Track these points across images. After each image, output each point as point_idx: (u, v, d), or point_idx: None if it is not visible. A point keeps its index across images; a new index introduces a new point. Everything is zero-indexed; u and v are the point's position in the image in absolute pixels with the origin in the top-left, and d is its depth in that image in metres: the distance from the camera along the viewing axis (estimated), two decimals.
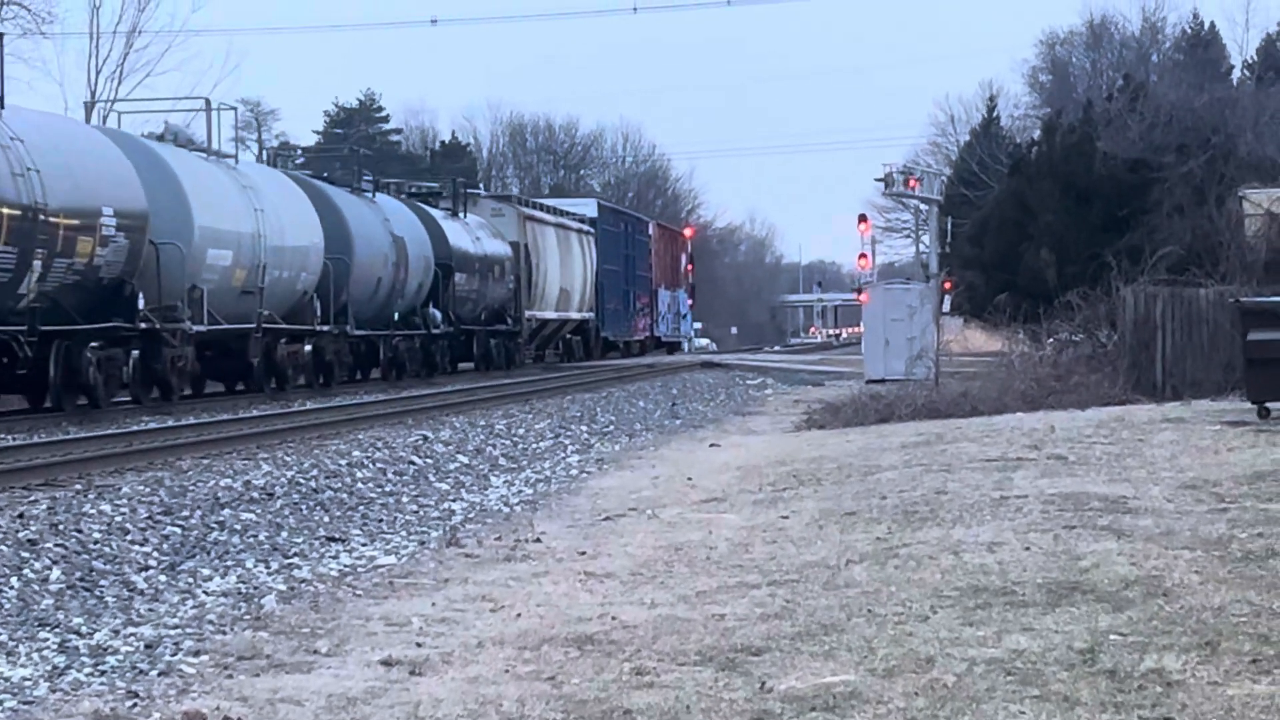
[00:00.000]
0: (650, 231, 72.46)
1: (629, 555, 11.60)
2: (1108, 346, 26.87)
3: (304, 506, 14.74)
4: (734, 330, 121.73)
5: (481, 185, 69.46)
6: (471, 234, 47.16)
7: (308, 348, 34.98)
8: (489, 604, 9.83)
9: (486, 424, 24.38)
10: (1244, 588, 9.19)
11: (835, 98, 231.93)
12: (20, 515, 12.94)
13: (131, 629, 9.26)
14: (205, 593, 10.50)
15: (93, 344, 26.15)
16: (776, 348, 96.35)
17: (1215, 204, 36.64)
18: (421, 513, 14.87)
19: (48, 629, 9.22)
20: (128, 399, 28.16)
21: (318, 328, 35.02)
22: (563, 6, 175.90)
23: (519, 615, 9.42)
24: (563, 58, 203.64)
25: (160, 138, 31.73)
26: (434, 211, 45.49)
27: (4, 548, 11.41)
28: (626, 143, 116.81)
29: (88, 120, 34.76)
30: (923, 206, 72.52)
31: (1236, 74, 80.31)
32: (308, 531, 13.38)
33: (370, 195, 40.94)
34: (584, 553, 11.85)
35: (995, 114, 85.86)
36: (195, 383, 32.52)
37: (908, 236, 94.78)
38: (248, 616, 9.61)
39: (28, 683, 7.96)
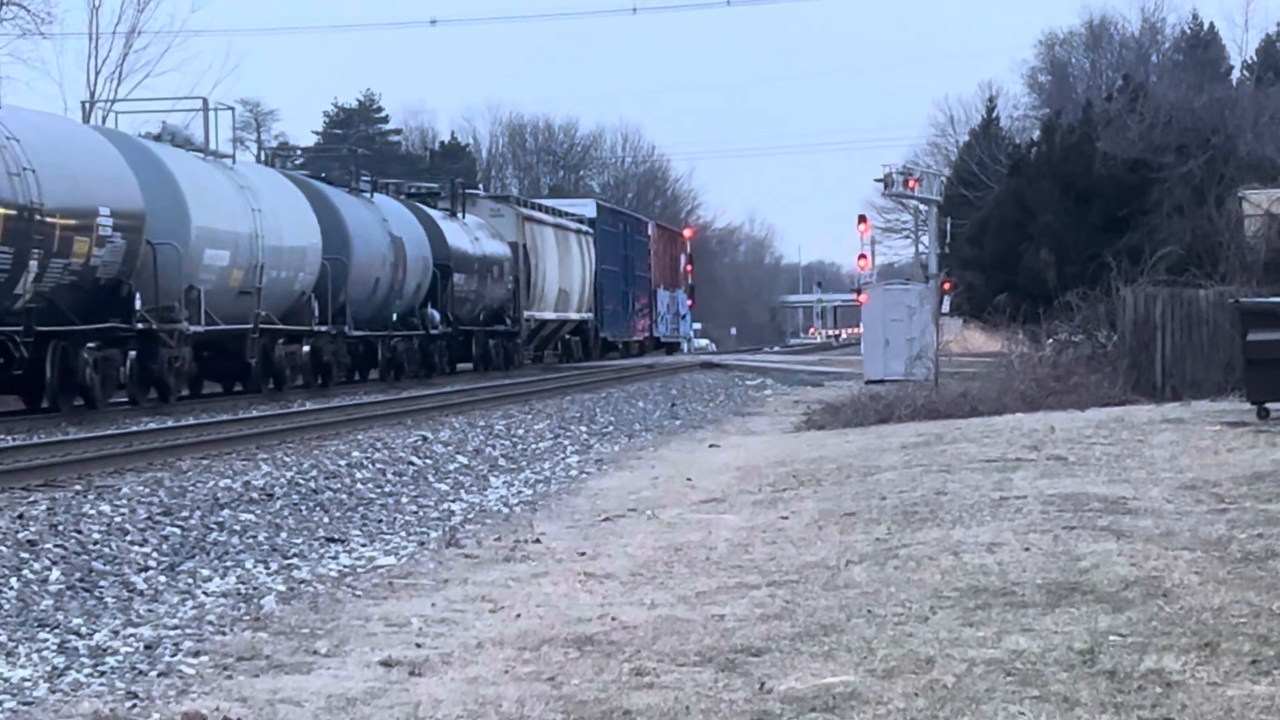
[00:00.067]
0: (649, 232, 72.46)
1: (629, 556, 11.60)
2: (1107, 347, 26.87)
3: (303, 507, 14.73)
4: (733, 331, 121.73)
5: (481, 186, 69.50)
6: (470, 234, 47.15)
7: (305, 348, 34.94)
8: (488, 604, 9.83)
9: (486, 424, 24.38)
10: (1243, 588, 9.19)
11: (835, 98, 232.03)
12: (20, 516, 12.93)
13: (131, 630, 9.26)
14: (205, 593, 10.50)
15: (89, 344, 26.09)
16: (776, 348, 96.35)
17: (1215, 204, 36.66)
18: (421, 513, 14.87)
19: (47, 629, 9.22)
20: (125, 400, 28.11)
21: (315, 328, 34.97)
22: (562, 7, 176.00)
23: (518, 616, 9.41)
24: (562, 58, 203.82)
25: (157, 138, 31.67)
26: (432, 212, 45.47)
27: (4, 548, 11.40)
28: (626, 143, 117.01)
29: (85, 120, 34.74)
30: (922, 207, 72.53)
31: (1236, 74, 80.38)
32: (307, 532, 13.38)
33: (368, 195, 40.91)
34: (584, 553, 11.85)
35: (995, 114, 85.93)
36: (193, 383, 32.43)
37: (907, 237, 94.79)
38: (247, 617, 9.61)
39: (27, 683, 7.96)
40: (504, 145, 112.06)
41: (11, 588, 10.30)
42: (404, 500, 15.73)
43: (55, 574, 10.84)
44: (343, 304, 36.64)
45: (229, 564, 11.68)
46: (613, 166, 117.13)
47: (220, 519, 13.60)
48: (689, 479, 17.02)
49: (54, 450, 18.86)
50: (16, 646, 8.74)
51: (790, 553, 11.25)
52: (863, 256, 69.78)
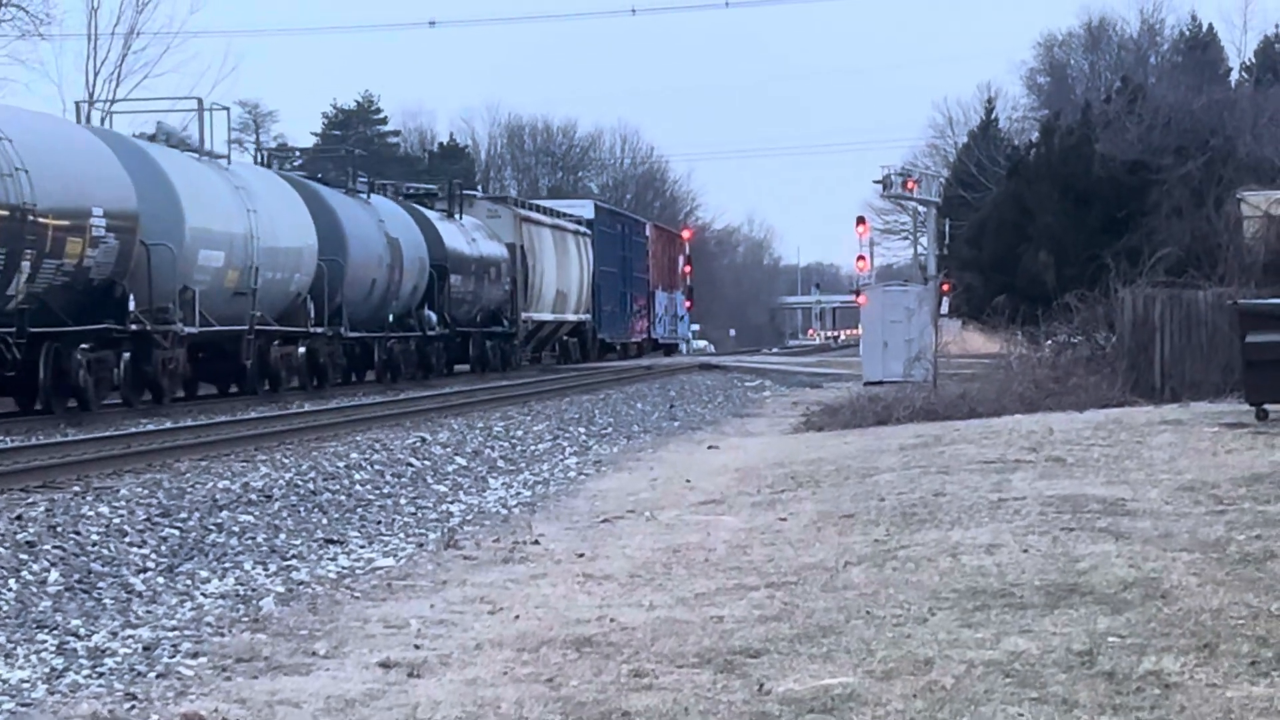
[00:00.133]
0: (647, 233, 72.44)
1: (627, 557, 11.60)
2: (1106, 348, 26.85)
3: (302, 508, 14.73)
4: (732, 332, 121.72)
5: (480, 187, 69.47)
6: (467, 235, 47.13)
7: (301, 350, 34.86)
8: (487, 606, 9.83)
9: (484, 426, 24.37)
10: (1242, 590, 9.19)
11: (834, 99, 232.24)
12: (19, 517, 12.92)
13: (130, 631, 9.25)
14: (203, 595, 10.50)
15: (83, 346, 25.95)
16: (774, 349, 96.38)
17: (1214, 206, 36.68)
18: (419, 515, 14.87)
19: (46, 631, 9.22)
20: (118, 401, 28.00)
21: (311, 329, 34.89)
22: (561, 8, 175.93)
23: (517, 617, 9.41)
24: (561, 59, 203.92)
25: (152, 138, 31.61)
26: (429, 213, 45.42)
27: (2, 549, 11.40)
28: (625, 144, 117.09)
29: (78, 120, 34.70)
30: (921, 208, 72.61)
31: (1235, 76, 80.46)
32: (306, 533, 13.38)
33: (365, 196, 40.85)
34: (582, 555, 11.84)
35: (993, 116, 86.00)
36: (188, 385, 32.29)
37: (906, 238, 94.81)
38: (246, 618, 9.61)
39: (26, 685, 7.95)
40: (503, 146, 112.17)
41: (10, 589, 10.30)
42: (402, 502, 15.73)
43: (54, 575, 10.84)
44: (339, 305, 36.57)
45: (227, 565, 11.67)
46: (611, 168, 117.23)
47: (219, 520, 13.60)
48: (688, 480, 17.02)
49: (52, 452, 18.86)
50: (15, 648, 8.74)
51: (789, 554, 11.25)
52: (861, 258, 69.87)
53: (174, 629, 9.31)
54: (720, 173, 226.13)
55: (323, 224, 35.86)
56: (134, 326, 27.32)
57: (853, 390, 30.95)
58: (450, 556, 12.05)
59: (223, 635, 9.10)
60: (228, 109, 35.20)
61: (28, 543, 11.77)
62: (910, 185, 69.19)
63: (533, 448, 21.85)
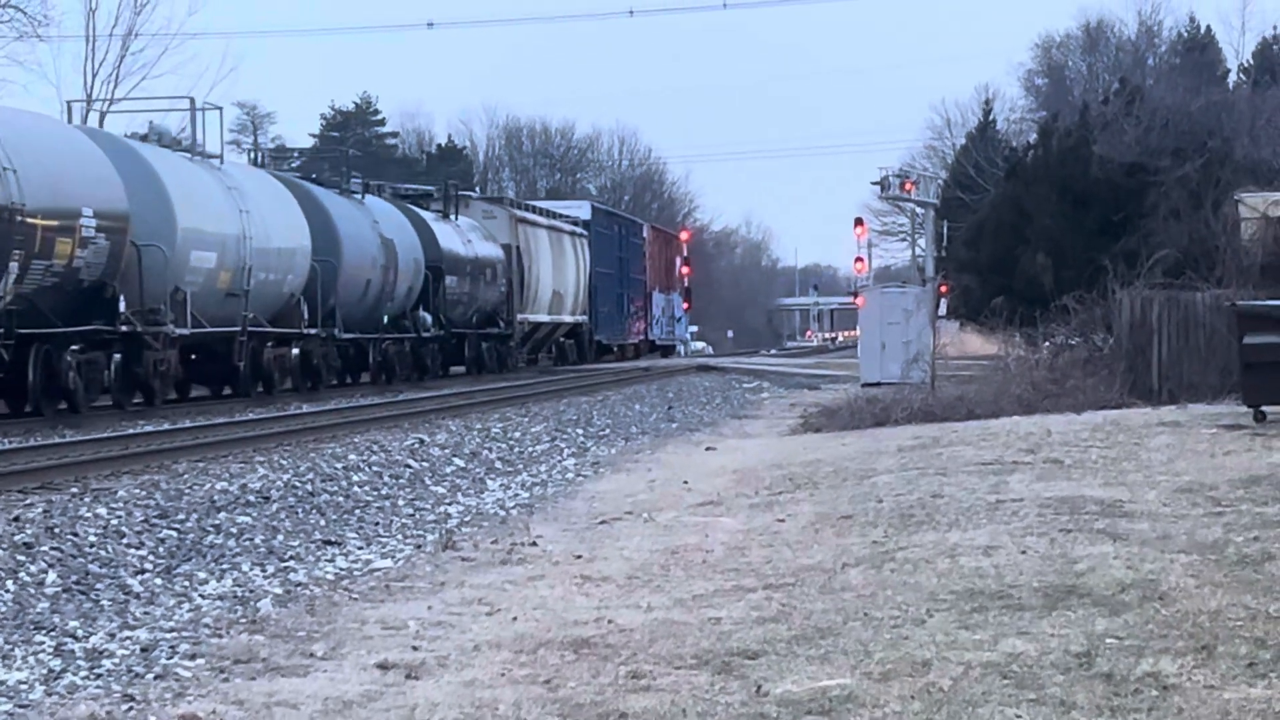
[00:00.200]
0: (645, 234, 72.42)
1: (625, 559, 11.59)
2: (1104, 350, 26.85)
3: (300, 510, 14.72)
4: (730, 334, 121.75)
5: (477, 188, 69.53)
6: (463, 236, 47.08)
7: (295, 351, 34.73)
8: (485, 607, 9.83)
9: (482, 427, 24.36)
10: (1240, 591, 9.19)
11: (832, 101, 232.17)
12: (16, 518, 12.92)
13: (127, 632, 9.25)
14: (201, 596, 10.49)
15: (73, 347, 25.77)
16: (772, 351, 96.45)
17: (1211, 208, 36.62)
18: (417, 516, 14.86)
19: (44, 632, 9.21)
20: (109, 404, 27.80)
21: (305, 331, 34.78)
22: (559, 10, 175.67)
23: (515, 619, 9.41)
24: (559, 61, 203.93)
25: (144, 138, 31.44)
26: (424, 214, 45.34)
27: (0, 551, 11.40)
28: (623, 146, 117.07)
29: (69, 120, 34.59)
30: (919, 210, 72.67)
31: (1233, 77, 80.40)
32: (304, 535, 13.37)
33: (359, 197, 40.75)
34: (580, 556, 11.84)
35: (991, 117, 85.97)
36: (180, 387, 32.12)
37: (904, 240, 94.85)
38: (243, 620, 9.60)
39: (23, 686, 7.95)
40: (501, 148, 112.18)
41: (8, 590, 10.29)
42: (400, 503, 15.72)
43: (51, 576, 10.83)
44: (333, 306, 36.47)
45: (225, 567, 11.67)
46: (609, 169, 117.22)
47: (217, 522, 13.59)
48: (686, 482, 17.02)
49: (50, 453, 18.85)
50: (13, 649, 8.74)
51: (786, 556, 11.25)
52: (859, 259, 69.85)
53: (172, 630, 9.30)
54: (718, 174, 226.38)
55: (316, 225, 35.76)
56: (125, 328, 27.12)
57: (850, 392, 30.94)
58: (448, 558, 12.05)
59: (220, 636, 9.10)
60: (220, 109, 35.11)
61: (25, 544, 11.76)
62: (908, 187, 69.24)
63: (530, 449, 21.85)
